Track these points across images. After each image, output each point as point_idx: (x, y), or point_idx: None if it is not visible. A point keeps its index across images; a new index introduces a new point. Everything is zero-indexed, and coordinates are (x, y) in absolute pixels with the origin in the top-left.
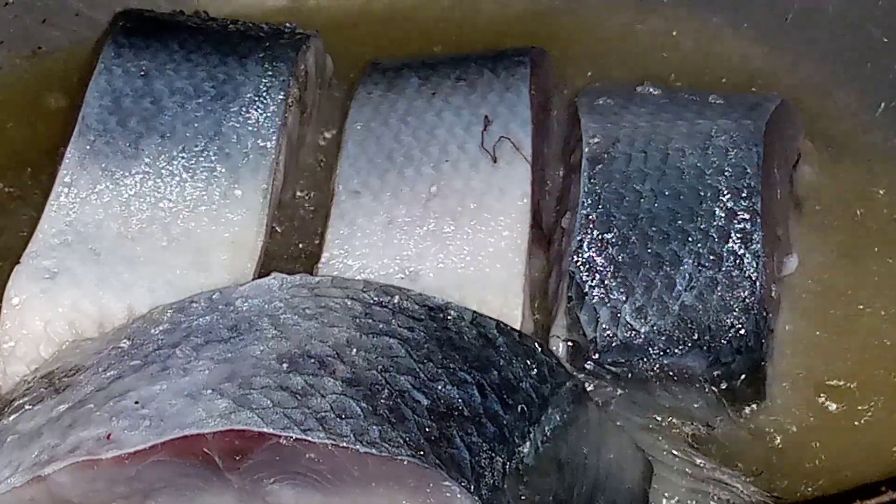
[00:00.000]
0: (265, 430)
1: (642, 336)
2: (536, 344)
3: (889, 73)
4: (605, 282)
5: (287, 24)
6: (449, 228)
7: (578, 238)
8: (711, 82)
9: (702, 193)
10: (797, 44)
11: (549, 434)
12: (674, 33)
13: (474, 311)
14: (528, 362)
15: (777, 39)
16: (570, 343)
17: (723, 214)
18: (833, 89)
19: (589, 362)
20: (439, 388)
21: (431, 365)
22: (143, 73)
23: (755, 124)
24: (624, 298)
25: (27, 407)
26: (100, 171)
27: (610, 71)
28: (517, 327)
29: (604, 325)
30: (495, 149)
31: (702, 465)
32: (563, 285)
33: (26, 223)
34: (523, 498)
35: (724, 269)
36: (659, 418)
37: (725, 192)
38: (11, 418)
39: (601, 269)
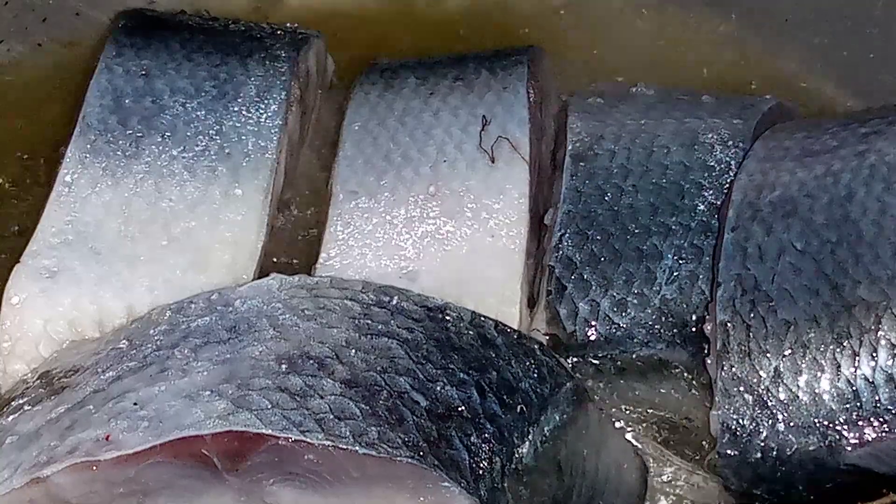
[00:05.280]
0: (264, 431)
1: (622, 329)
2: (536, 344)
3: (888, 74)
4: (585, 276)
5: (288, 24)
6: (447, 229)
7: (559, 233)
8: (710, 83)
9: (685, 188)
10: (797, 45)
11: (548, 434)
12: (673, 34)
13: (473, 312)
14: (528, 363)
15: (777, 40)
16: (549, 337)
17: (705, 209)
18: (832, 90)
19: (569, 356)
20: (438, 388)
21: (430, 365)
22: (144, 72)
23: (745, 123)
24: (603, 292)
25: (26, 408)
26: (100, 170)
27: (608, 71)
28: (516, 327)
29: (583, 319)
30: (493, 149)
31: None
32: (543, 280)
33: (26, 222)
34: (523, 498)
35: (704, 262)
36: (639, 410)
37: (708, 188)
38: (10, 419)
39: (580, 263)
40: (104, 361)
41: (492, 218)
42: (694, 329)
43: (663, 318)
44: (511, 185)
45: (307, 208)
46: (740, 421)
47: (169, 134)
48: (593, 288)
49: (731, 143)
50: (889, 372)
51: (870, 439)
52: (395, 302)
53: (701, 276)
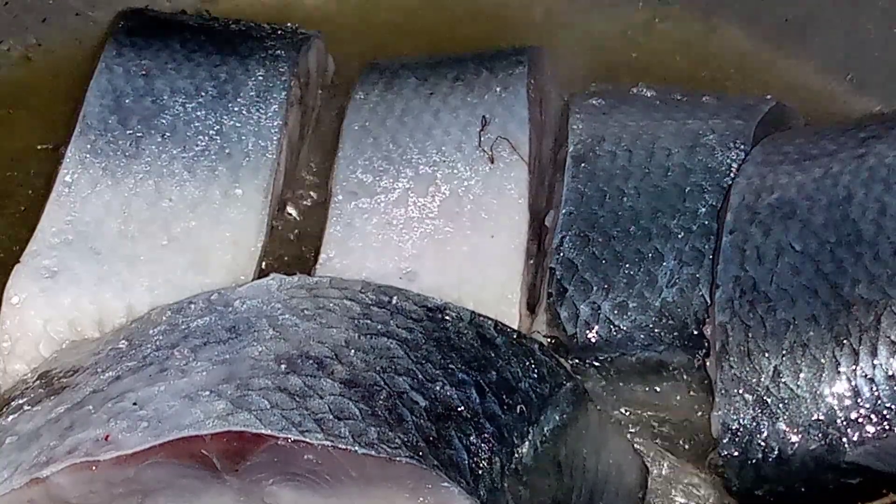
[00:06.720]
0: (263, 431)
1: (623, 332)
2: (535, 344)
3: (888, 75)
4: (586, 278)
5: (289, 24)
6: (447, 229)
7: (560, 235)
8: (711, 83)
9: (686, 191)
10: (797, 45)
11: (547, 434)
12: (673, 33)
13: (473, 312)
14: (527, 363)
15: (777, 40)
16: (550, 339)
17: (706, 211)
18: (832, 91)
19: (569, 358)
20: (437, 388)
21: (430, 365)
22: (144, 72)
23: (746, 124)
24: (604, 295)
25: (25, 408)
26: (100, 170)
27: (608, 71)
28: (515, 327)
29: (584, 321)
30: (493, 149)
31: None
32: (543, 282)
33: (27, 222)
34: (522, 498)
35: (705, 265)
36: (638, 412)
37: (710, 190)
38: (10, 419)
39: (581, 265)
40: (104, 361)
41: (491, 218)
42: (695, 332)
43: (664, 321)
44: (511, 185)
45: (307, 208)
46: (741, 421)
47: (169, 134)
48: (594, 290)
49: (731, 144)
50: (889, 370)
51: (870, 437)
52: (394, 302)
53: (702, 279)
